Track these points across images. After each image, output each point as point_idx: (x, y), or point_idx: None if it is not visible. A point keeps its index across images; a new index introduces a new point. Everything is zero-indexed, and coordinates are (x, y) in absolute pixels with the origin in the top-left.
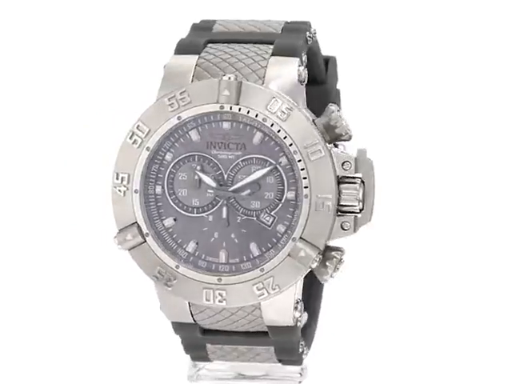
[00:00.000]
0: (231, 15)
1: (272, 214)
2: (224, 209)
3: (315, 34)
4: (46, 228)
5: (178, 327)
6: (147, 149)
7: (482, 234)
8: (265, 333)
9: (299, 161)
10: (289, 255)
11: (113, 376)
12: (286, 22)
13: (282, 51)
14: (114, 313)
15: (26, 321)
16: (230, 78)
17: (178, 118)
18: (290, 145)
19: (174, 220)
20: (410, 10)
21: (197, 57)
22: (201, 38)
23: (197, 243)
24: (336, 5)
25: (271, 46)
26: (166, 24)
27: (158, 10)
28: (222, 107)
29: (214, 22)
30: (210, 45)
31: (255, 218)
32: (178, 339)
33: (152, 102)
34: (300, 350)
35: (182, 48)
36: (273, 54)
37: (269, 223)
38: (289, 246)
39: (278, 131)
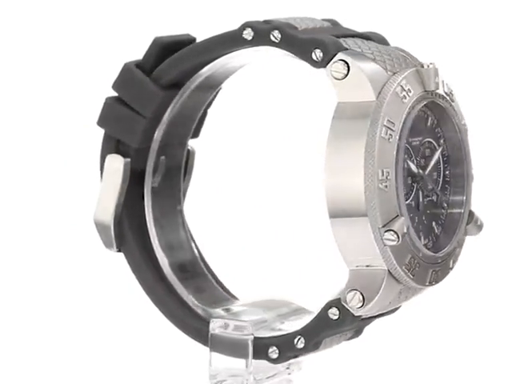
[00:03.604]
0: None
1: (437, 192)
2: (420, 193)
3: None
4: (46, 228)
5: (352, 319)
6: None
7: None
8: None
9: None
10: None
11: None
12: (323, 19)
13: (383, 43)
14: (115, 314)
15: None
16: (429, 66)
17: (411, 107)
18: (463, 124)
19: None
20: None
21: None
22: (325, 34)
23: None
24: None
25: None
26: (165, 25)
27: (157, 11)
28: (428, 93)
29: (279, 21)
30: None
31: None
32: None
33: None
34: None
35: (332, 46)
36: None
37: (435, 200)
38: (465, 216)
39: (454, 110)
